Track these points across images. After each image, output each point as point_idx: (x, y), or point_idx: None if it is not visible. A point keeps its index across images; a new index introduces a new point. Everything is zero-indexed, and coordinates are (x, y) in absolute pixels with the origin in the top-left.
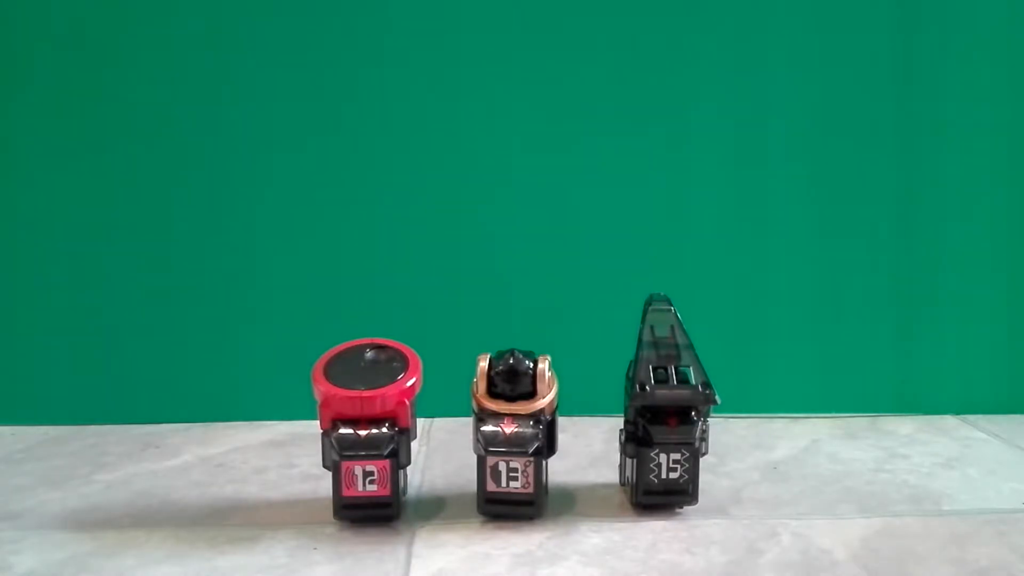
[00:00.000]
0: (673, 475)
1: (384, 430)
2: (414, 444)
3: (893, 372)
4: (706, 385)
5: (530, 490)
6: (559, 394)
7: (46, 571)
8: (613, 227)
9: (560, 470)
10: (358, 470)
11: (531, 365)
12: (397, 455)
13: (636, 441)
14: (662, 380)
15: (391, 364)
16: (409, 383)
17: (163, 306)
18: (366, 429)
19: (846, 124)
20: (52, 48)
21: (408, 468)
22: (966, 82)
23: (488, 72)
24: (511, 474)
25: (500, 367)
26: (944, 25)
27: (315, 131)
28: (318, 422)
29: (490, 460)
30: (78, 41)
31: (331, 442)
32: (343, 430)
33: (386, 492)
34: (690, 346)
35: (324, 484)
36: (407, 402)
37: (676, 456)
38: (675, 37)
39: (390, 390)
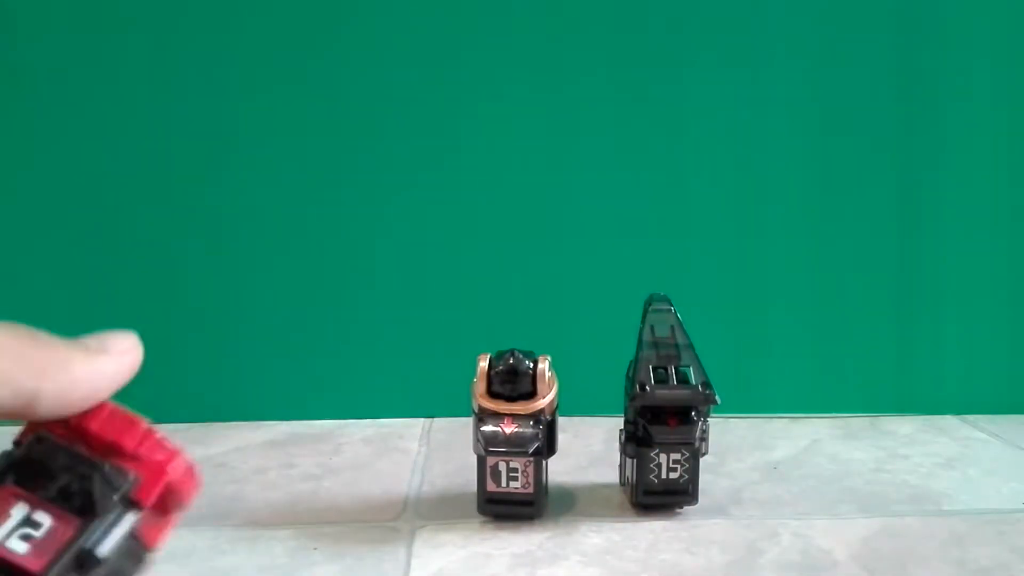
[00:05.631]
0: (673, 475)
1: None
2: (413, 444)
3: (893, 372)
4: (706, 385)
5: (530, 490)
6: (559, 394)
7: None
8: (613, 227)
9: (560, 470)
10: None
11: (531, 365)
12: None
13: (636, 441)
14: (662, 380)
15: None
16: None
17: (163, 306)
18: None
19: (845, 124)
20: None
21: (411, 468)
22: (966, 82)
23: (487, 71)
24: (511, 474)
25: (500, 367)
26: (944, 26)
27: (316, 131)
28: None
29: (490, 460)
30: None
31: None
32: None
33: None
34: (690, 346)
35: (324, 484)
36: None
37: (676, 456)
38: (675, 37)
39: None
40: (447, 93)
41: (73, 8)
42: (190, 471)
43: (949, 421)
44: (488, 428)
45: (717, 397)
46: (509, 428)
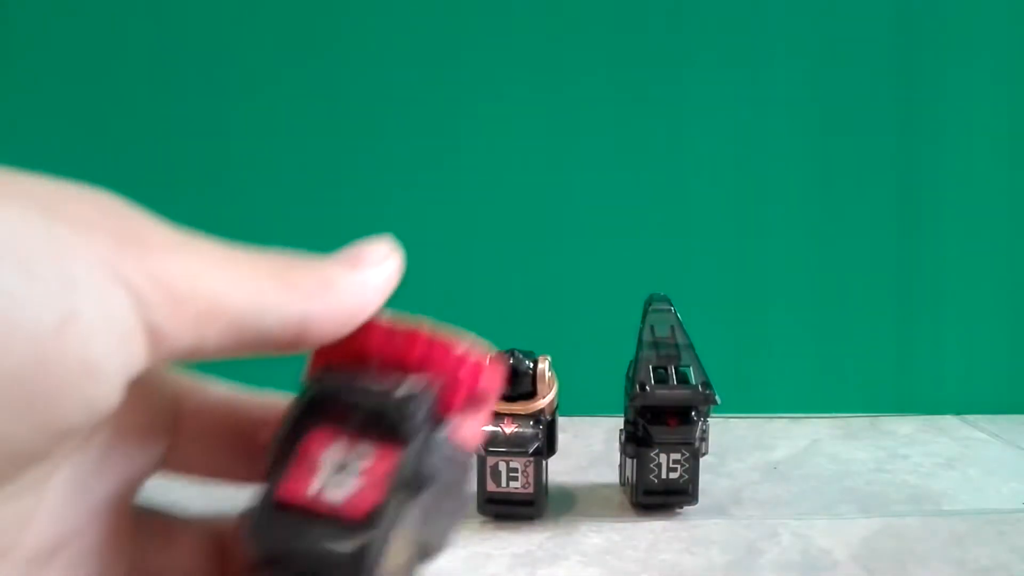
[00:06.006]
0: (673, 475)
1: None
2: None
3: (893, 372)
4: (706, 385)
5: (530, 490)
6: (559, 394)
7: None
8: (613, 227)
9: (560, 470)
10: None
11: (531, 365)
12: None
13: (636, 441)
14: (662, 380)
15: None
16: None
17: None
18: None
19: (845, 124)
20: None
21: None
22: (966, 82)
23: (487, 71)
24: (511, 474)
25: None
26: (945, 25)
27: (316, 131)
28: None
29: (490, 460)
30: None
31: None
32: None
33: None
34: (690, 346)
35: None
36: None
37: (676, 456)
38: (676, 35)
39: None
40: (447, 93)
41: (73, 8)
42: (487, 366)
43: (949, 421)
44: (488, 428)
45: (717, 397)
46: (509, 428)
